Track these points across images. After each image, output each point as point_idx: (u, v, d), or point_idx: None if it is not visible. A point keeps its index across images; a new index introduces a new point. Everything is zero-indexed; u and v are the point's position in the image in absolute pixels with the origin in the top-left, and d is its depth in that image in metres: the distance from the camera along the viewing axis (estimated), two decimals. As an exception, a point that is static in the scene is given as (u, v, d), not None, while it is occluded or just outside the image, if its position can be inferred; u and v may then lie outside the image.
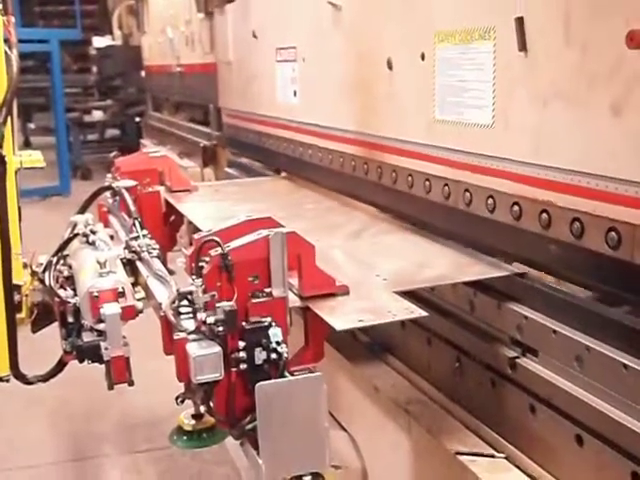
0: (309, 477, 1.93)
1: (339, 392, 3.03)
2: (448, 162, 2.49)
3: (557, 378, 2.07)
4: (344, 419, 3.03)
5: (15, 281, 2.55)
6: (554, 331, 2.07)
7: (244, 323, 1.95)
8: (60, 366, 2.57)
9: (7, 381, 2.59)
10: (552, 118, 2.01)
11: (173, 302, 2.00)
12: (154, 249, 2.58)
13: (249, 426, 1.96)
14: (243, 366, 1.95)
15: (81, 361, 2.33)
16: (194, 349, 1.91)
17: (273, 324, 1.95)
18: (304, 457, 1.92)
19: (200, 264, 2.02)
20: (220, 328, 1.93)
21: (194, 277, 2.00)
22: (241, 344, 1.94)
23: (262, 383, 1.87)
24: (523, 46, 2.07)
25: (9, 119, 2.53)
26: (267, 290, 1.99)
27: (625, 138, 1.77)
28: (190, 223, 3.37)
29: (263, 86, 4.28)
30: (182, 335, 1.96)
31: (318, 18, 3.41)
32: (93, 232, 2.67)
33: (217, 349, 1.91)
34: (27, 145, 14.41)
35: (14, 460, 4.14)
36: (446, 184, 2.51)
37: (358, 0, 3.08)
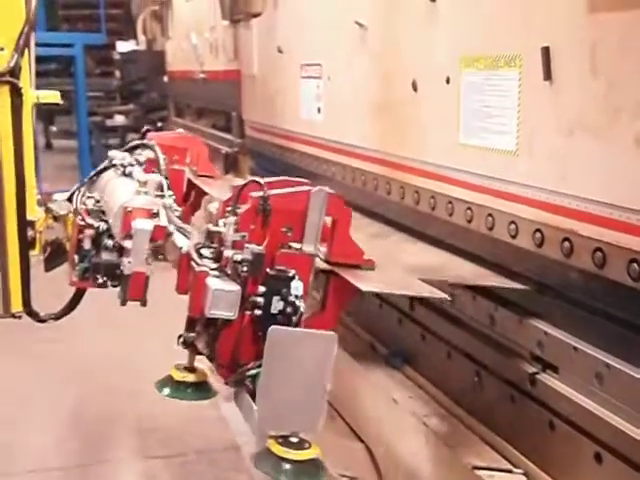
0: (296, 439, 1.84)
1: (357, 403, 3.03)
2: (471, 186, 2.48)
3: (577, 395, 2.07)
4: (362, 430, 3.03)
5: (29, 217, 2.51)
6: (574, 348, 2.07)
7: (268, 269, 1.94)
8: (74, 301, 2.53)
9: (19, 318, 2.55)
10: (576, 148, 2.00)
11: (198, 243, 2.01)
12: (177, 210, 2.50)
13: (250, 372, 1.94)
14: (257, 312, 1.93)
15: (95, 280, 2.29)
16: (214, 282, 1.89)
17: (297, 277, 1.94)
18: (299, 416, 1.86)
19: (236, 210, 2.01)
20: (244, 268, 1.91)
21: (228, 215, 1.99)
22: (261, 289, 1.93)
23: (276, 327, 1.83)
24: (548, 75, 2.07)
25: (27, 54, 2.49)
26: (297, 246, 1.99)
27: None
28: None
29: (287, 101, 4.29)
30: (204, 269, 1.94)
31: (344, 37, 3.41)
32: (131, 164, 2.63)
33: (237, 288, 1.89)
34: (49, 147, 14.52)
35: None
36: (469, 207, 2.51)
37: (385, 21, 3.08)
